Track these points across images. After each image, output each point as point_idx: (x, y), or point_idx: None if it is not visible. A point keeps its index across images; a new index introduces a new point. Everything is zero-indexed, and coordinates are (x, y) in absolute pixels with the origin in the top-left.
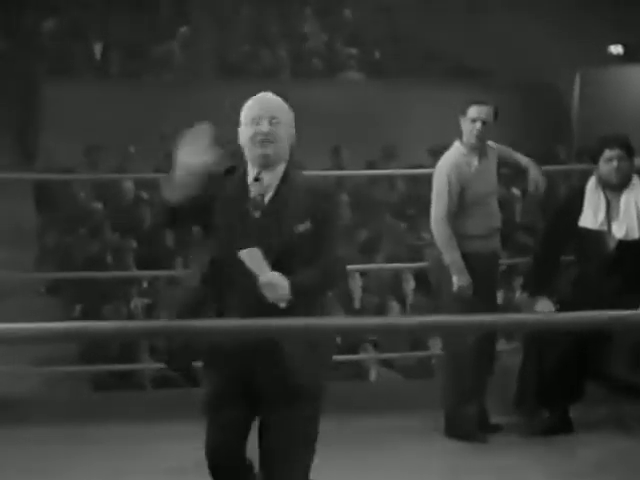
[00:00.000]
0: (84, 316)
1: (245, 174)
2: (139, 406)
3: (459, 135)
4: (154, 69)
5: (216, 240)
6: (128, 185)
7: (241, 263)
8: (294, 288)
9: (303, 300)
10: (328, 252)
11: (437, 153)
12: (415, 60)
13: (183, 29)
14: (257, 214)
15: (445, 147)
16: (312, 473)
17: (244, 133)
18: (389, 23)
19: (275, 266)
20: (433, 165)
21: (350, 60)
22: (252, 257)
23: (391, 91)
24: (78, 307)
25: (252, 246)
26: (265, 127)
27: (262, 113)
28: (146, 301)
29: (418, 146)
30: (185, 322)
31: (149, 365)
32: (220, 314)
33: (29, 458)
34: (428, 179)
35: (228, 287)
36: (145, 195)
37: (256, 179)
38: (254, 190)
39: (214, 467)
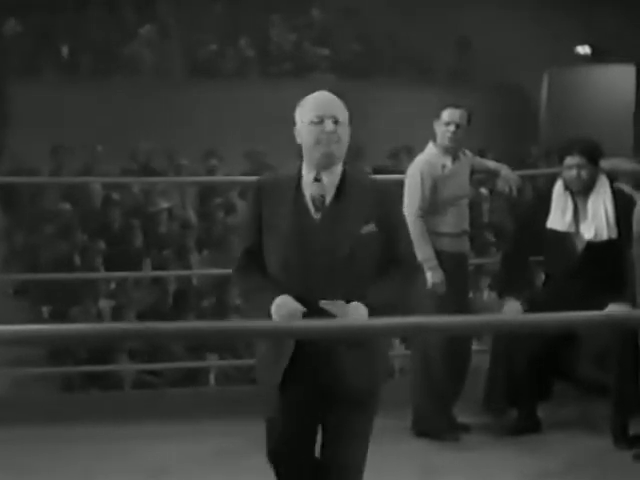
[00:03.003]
0: (52, 318)
1: (298, 176)
2: (113, 406)
3: (430, 136)
4: (122, 69)
5: (277, 246)
6: (96, 186)
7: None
8: (373, 310)
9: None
10: (402, 256)
11: (396, 155)
12: (386, 61)
13: (144, 28)
14: (318, 216)
15: (408, 148)
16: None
17: (305, 133)
18: (359, 24)
19: (336, 271)
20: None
21: (320, 61)
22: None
23: (361, 92)
24: (46, 309)
25: (314, 250)
26: (330, 126)
27: (325, 112)
28: (113, 303)
29: (387, 147)
30: (157, 324)
31: (124, 367)
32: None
33: (2, 457)
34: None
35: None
36: (114, 196)
37: (316, 179)
38: (313, 191)
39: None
